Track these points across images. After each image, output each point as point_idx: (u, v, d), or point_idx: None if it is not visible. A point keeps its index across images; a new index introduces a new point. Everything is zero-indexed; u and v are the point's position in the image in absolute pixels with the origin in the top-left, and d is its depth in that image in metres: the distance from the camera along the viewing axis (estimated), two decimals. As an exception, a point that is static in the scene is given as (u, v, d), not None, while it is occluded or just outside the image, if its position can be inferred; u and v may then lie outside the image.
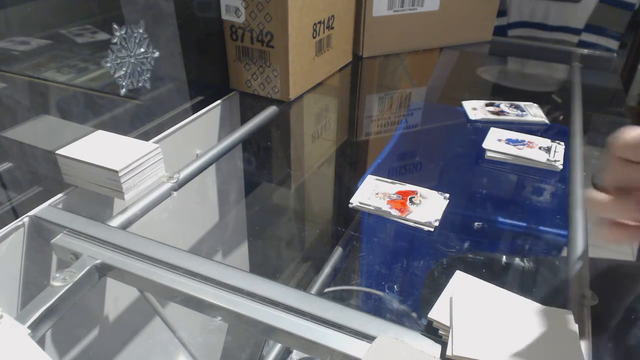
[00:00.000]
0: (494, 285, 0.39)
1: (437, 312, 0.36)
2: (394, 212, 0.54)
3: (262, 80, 0.79)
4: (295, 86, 0.79)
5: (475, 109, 0.80)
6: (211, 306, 0.41)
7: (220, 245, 0.88)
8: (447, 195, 0.57)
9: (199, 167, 0.64)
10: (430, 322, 0.36)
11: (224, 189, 0.86)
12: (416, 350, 0.33)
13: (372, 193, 0.58)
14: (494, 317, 0.36)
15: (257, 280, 0.41)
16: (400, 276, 0.57)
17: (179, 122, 0.71)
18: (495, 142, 0.67)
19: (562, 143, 0.67)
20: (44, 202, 0.52)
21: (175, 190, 0.58)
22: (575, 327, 0.35)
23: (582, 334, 0.36)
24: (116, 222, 0.52)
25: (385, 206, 0.55)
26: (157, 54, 0.64)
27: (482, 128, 0.73)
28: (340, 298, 0.63)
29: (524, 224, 0.61)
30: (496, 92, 0.97)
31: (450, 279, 0.40)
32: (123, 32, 0.58)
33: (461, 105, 0.82)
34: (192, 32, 0.71)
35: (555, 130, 0.74)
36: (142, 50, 0.62)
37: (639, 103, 1.79)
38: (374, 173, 0.62)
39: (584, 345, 0.35)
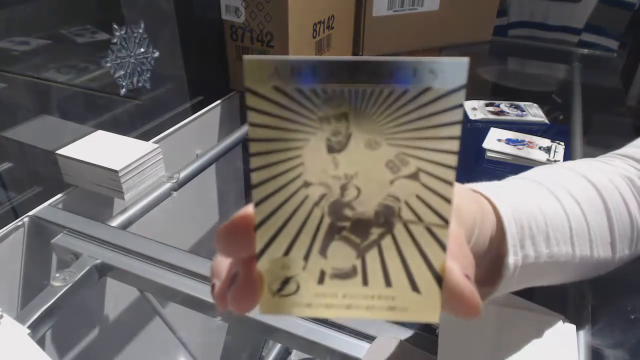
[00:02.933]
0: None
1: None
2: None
3: (262, 80, 0.79)
4: (295, 86, 0.79)
5: (475, 109, 0.80)
6: (211, 306, 0.41)
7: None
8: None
9: (199, 167, 0.64)
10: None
11: (223, 189, 0.86)
12: (416, 350, 0.33)
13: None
14: (484, 324, 0.35)
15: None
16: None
17: (179, 122, 0.71)
18: (496, 142, 0.67)
19: (562, 143, 0.67)
20: (44, 202, 0.52)
21: (175, 190, 0.58)
22: (569, 333, 0.34)
23: (581, 334, 0.36)
24: (116, 222, 0.52)
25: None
26: (157, 54, 0.64)
27: (482, 128, 0.73)
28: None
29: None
30: (496, 92, 0.97)
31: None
32: (123, 32, 0.58)
33: (461, 105, 0.82)
34: (192, 32, 0.71)
35: (555, 130, 0.74)
36: (142, 50, 0.62)
37: (639, 103, 1.79)
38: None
39: (583, 347, 0.35)
